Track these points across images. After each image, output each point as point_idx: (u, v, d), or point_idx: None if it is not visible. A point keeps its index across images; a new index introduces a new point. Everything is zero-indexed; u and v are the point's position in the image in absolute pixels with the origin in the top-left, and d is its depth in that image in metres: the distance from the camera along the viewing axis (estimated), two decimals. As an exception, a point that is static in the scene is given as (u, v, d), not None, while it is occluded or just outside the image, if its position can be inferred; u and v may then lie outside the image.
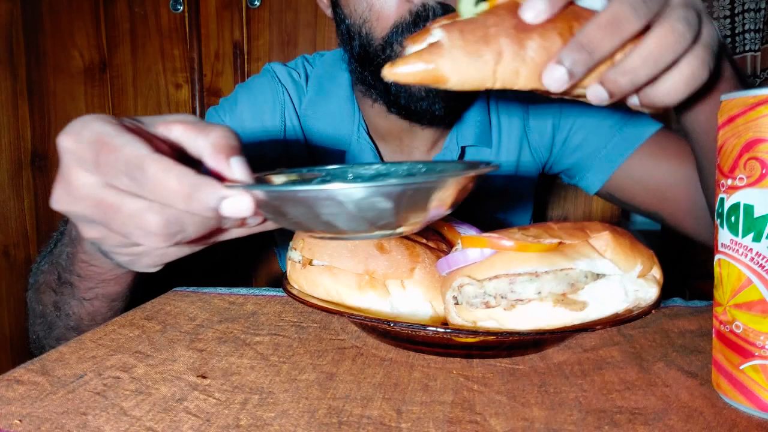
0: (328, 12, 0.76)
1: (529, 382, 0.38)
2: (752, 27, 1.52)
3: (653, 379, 0.39)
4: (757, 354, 0.32)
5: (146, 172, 0.33)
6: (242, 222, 0.37)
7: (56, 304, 0.56)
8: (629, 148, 0.78)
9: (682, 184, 0.73)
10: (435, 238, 0.50)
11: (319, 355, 0.43)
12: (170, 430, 0.31)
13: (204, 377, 0.38)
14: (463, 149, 0.79)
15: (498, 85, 0.36)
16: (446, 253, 0.47)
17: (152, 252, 0.40)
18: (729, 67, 0.49)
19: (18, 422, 0.32)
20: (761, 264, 0.32)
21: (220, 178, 0.35)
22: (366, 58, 0.68)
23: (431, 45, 0.36)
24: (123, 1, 1.44)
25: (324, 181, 0.46)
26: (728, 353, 0.34)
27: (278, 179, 0.44)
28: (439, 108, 0.68)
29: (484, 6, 0.39)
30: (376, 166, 0.48)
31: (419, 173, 0.46)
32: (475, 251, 0.40)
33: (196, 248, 0.40)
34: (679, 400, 0.36)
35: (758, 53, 1.54)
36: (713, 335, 0.36)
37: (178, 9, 1.42)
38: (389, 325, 0.40)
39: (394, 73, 0.36)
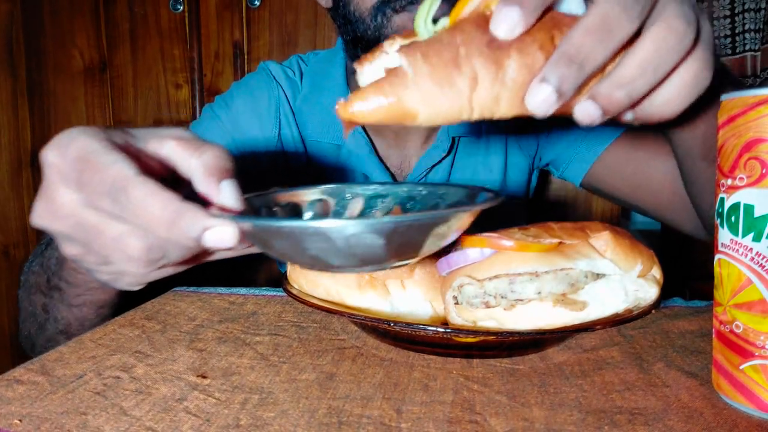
0: (323, 2, 0.75)
1: (529, 382, 0.38)
2: (752, 27, 1.52)
3: (653, 379, 0.39)
4: (757, 354, 0.32)
5: (129, 196, 0.31)
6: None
7: (45, 307, 0.55)
8: (608, 138, 0.79)
9: (661, 175, 0.73)
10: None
11: (319, 355, 0.43)
12: (170, 430, 0.31)
13: (204, 377, 0.38)
14: (454, 139, 0.79)
15: (476, 116, 0.30)
16: (446, 253, 0.47)
17: (133, 272, 0.39)
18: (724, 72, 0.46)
19: (18, 422, 0.32)
20: (761, 264, 0.32)
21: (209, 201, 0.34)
22: (356, 35, 0.67)
23: (390, 73, 0.29)
24: (123, 1, 1.44)
25: (318, 202, 0.45)
26: (728, 353, 0.34)
27: (267, 200, 0.43)
28: None
29: (444, 23, 0.33)
30: (374, 187, 0.45)
31: (419, 196, 0.44)
32: (475, 251, 0.40)
33: (180, 269, 0.39)
34: (679, 400, 0.36)
35: (758, 53, 1.54)
36: (713, 335, 0.36)
37: (178, 9, 1.42)
38: (389, 325, 0.40)
39: (352, 112, 0.29)
